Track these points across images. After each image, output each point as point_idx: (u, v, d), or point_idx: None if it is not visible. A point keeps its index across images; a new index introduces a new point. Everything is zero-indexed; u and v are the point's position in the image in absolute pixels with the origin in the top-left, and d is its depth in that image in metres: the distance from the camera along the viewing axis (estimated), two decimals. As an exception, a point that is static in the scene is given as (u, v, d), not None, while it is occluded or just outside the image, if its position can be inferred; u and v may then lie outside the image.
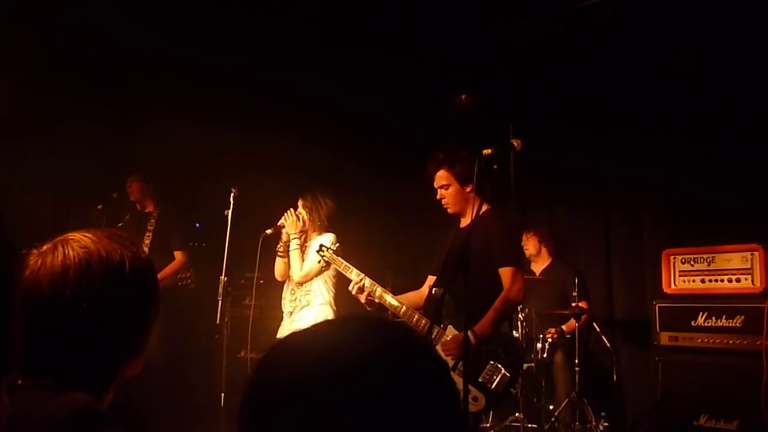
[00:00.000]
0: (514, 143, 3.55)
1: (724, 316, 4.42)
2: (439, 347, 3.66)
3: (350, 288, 3.94)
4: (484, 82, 6.19)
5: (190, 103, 5.74)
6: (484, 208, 3.68)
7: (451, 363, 3.60)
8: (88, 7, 4.70)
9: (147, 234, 5.58)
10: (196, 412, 5.46)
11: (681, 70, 5.18)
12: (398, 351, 0.80)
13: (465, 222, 3.89)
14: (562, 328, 5.52)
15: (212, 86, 5.81)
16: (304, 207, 4.67)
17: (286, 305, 4.71)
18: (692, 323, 4.55)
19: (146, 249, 5.47)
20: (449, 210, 3.90)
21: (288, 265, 4.67)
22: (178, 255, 5.66)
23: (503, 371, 3.57)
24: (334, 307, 4.62)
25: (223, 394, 4.61)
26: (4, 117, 5.15)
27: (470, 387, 3.38)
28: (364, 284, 3.88)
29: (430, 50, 6.07)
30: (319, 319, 4.50)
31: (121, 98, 5.84)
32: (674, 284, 4.75)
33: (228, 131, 5.85)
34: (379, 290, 3.87)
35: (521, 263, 3.86)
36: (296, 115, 6.18)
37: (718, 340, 4.41)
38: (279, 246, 4.65)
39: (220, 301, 4.44)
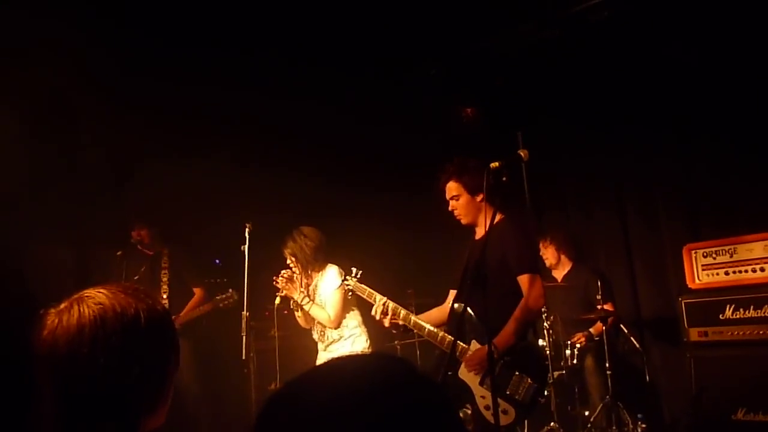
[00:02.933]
0: (521, 154, 3.56)
1: (752, 307, 4.37)
2: (463, 364, 3.65)
3: (373, 313, 3.94)
4: (487, 93, 6.21)
5: (196, 140, 5.81)
6: (498, 217, 3.69)
7: (477, 378, 3.60)
8: (80, 53, 4.79)
9: (163, 275, 5.66)
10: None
11: (687, 63, 5.15)
12: (399, 386, 0.80)
13: (480, 233, 3.89)
14: (590, 332, 5.47)
15: (217, 121, 5.86)
16: (290, 256, 4.63)
17: (316, 337, 4.73)
18: (720, 317, 4.50)
19: (166, 290, 5.62)
20: (462, 221, 3.91)
21: (309, 315, 4.65)
22: (198, 291, 5.77)
23: (529, 381, 3.54)
24: (365, 329, 4.63)
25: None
26: (21, 173, 5.24)
27: (498, 400, 3.37)
28: (387, 308, 3.89)
29: (430, 67, 6.11)
30: (355, 348, 4.56)
31: (126, 137, 5.89)
32: (698, 279, 4.70)
33: (239, 165, 5.90)
34: (402, 312, 3.87)
35: (538, 269, 3.82)
36: (305, 143, 6.22)
37: (748, 332, 4.36)
38: (291, 304, 4.65)
39: (244, 337, 4.46)
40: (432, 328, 3.77)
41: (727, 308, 4.47)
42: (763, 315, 4.30)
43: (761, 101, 4.94)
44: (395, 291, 4.81)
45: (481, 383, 3.60)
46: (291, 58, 5.52)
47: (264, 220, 5.03)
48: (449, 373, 3.65)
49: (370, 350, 4.65)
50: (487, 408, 3.55)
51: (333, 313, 4.52)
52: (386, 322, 3.88)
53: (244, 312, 4.49)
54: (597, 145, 5.88)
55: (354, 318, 4.64)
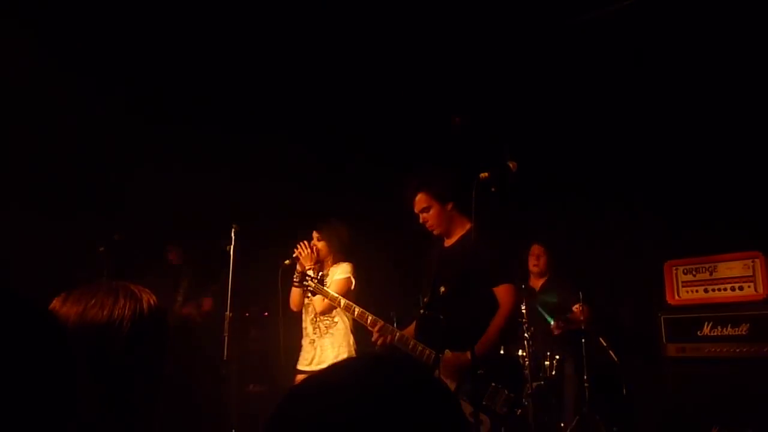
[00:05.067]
0: (510, 165, 3.58)
1: (729, 325, 4.43)
2: (439, 372, 3.60)
3: (373, 339, 3.90)
4: (474, 103, 6.23)
5: (181, 143, 5.79)
6: (469, 225, 3.70)
7: (452, 387, 3.58)
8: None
9: (182, 288, 6.11)
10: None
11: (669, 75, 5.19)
12: (410, 387, 0.83)
13: (450, 241, 3.88)
14: (567, 317, 5.45)
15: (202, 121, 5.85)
16: (319, 239, 4.75)
17: (309, 333, 4.77)
18: (698, 333, 4.56)
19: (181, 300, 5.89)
20: (435, 232, 3.87)
21: (303, 296, 4.74)
22: (209, 301, 6.07)
23: (506, 392, 3.54)
24: (353, 335, 4.68)
25: (233, 430, 4.58)
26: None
27: (471, 408, 3.36)
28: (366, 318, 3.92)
29: (420, 75, 6.12)
30: (342, 345, 4.63)
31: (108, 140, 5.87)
32: (678, 295, 4.76)
33: (226, 170, 5.89)
34: (370, 318, 3.90)
35: (514, 279, 3.79)
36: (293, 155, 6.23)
37: (725, 349, 4.42)
38: (295, 276, 4.69)
39: (226, 337, 4.44)
40: (414, 342, 3.76)
41: (705, 325, 4.54)
42: (740, 333, 4.36)
43: (745, 120, 5.01)
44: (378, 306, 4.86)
45: (457, 393, 3.56)
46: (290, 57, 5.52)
47: (250, 222, 5.03)
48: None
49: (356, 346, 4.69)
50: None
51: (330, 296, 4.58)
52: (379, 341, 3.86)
53: (228, 312, 4.47)
54: (580, 158, 5.92)
55: (348, 319, 4.68)
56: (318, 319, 4.72)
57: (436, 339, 3.63)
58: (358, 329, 4.66)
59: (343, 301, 4.10)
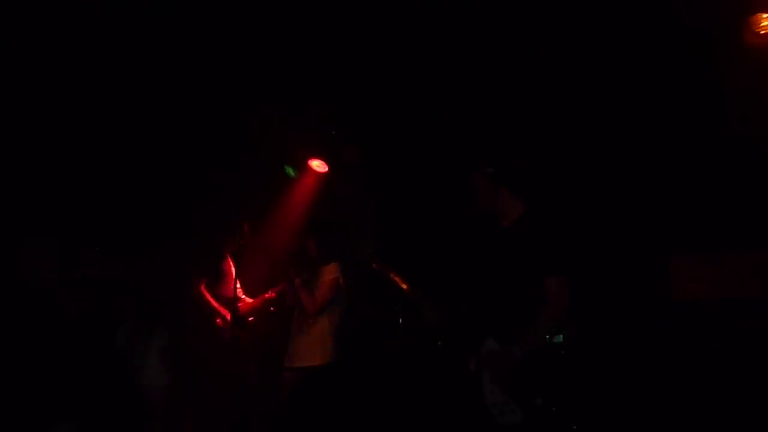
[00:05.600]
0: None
1: (737, 320, 4.41)
2: (483, 361, 3.56)
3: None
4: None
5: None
6: (523, 209, 3.67)
7: (493, 376, 3.50)
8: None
9: None
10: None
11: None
12: None
13: (504, 223, 3.77)
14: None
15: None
16: (311, 239, 4.85)
17: (293, 330, 4.85)
18: (706, 329, 4.54)
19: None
20: (484, 209, 3.78)
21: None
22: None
23: (544, 386, 3.45)
24: (331, 339, 4.75)
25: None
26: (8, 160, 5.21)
27: (510, 401, 3.38)
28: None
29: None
30: (316, 347, 4.69)
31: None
32: (684, 291, 4.74)
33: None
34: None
35: (567, 271, 3.60)
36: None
37: (733, 344, 4.39)
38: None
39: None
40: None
41: (713, 321, 4.51)
42: (748, 328, 4.34)
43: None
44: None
45: (493, 381, 3.49)
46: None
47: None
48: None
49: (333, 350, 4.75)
50: (494, 405, 3.47)
51: (320, 298, 4.67)
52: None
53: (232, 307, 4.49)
54: (582, 146, 5.85)
55: (326, 323, 4.73)
56: (301, 316, 4.78)
57: (482, 324, 3.59)
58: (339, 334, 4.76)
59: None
